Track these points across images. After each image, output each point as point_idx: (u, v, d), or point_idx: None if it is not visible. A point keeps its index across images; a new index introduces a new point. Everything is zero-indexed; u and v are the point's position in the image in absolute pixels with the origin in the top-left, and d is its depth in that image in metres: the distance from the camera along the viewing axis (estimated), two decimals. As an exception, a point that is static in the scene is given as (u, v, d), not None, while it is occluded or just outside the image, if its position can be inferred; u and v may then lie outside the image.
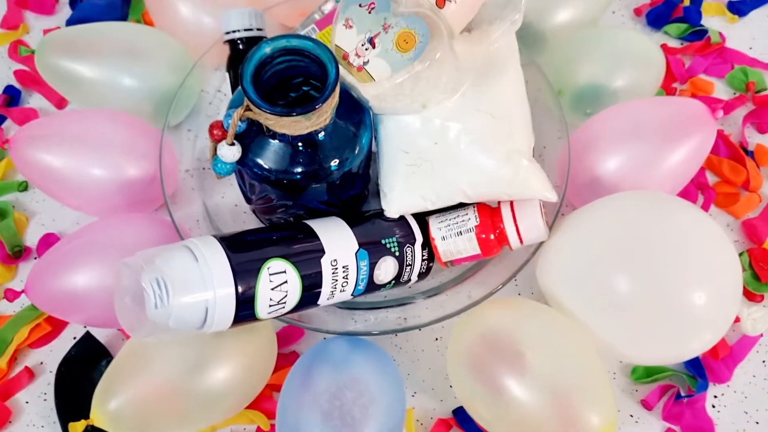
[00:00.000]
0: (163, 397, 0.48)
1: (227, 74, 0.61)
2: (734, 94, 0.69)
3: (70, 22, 0.72)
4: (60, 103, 0.68)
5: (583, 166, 0.57)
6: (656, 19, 0.72)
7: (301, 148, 0.48)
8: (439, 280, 0.57)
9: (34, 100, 0.70)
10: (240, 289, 0.44)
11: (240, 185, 0.54)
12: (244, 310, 0.45)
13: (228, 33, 0.60)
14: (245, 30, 0.59)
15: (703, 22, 0.72)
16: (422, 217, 0.54)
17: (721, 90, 0.69)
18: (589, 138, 0.58)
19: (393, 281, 0.52)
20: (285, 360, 0.56)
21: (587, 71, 0.61)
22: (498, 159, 0.49)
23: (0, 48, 0.73)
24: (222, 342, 0.50)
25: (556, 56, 0.63)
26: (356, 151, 0.50)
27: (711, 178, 0.64)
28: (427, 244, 0.54)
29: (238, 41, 0.60)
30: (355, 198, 0.55)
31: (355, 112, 0.50)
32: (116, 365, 0.49)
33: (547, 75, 0.60)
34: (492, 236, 0.52)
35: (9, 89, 0.70)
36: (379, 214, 0.54)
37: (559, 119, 0.58)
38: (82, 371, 0.55)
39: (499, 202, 0.53)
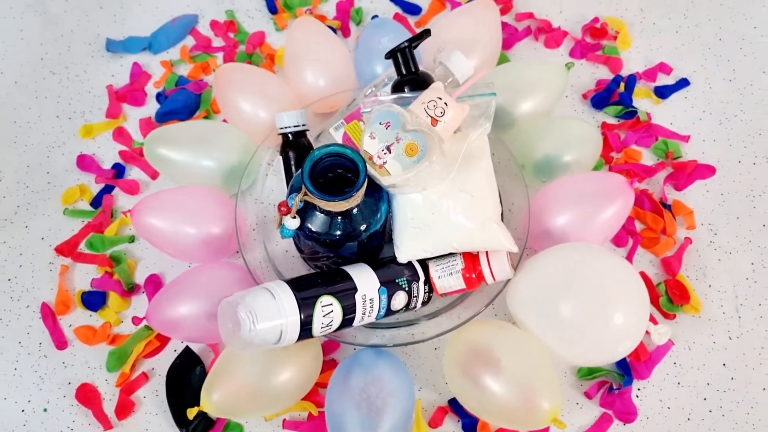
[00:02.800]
0: (247, 392, 0.70)
1: (281, 156, 0.83)
2: (657, 160, 0.90)
3: (159, 114, 0.95)
4: (154, 175, 0.91)
5: (540, 220, 0.79)
6: (599, 102, 0.94)
7: (340, 219, 0.70)
8: (437, 306, 0.78)
9: (134, 173, 0.92)
10: (303, 317, 0.66)
11: (295, 242, 0.76)
12: (305, 331, 0.67)
13: (281, 128, 0.82)
14: (294, 126, 0.82)
15: (634, 103, 0.94)
16: (424, 262, 0.76)
17: (647, 157, 0.90)
18: (545, 200, 0.79)
19: (404, 308, 0.74)
20: (327, 365, 0.78)
21: (544, 148, 0.83)
22: (476, 224, 0.71)
23: (106, 133, 0.96)
24: (286, 353, 0.72)
25: (521, 136, 0.85)
26: (377, 218, 0.72)
27: (638, 225, 0.86)
28: (428, 281, 0.75)
29: (289, 134, 0.82)
30: (375, 248, 0.78)
31: (376, 193, 0.72)
32: (216, 369, 0.71)
33: (512, 151, 0.81)
34: (473, 275, 0.74)
35: (116, 165, 0.92)
36: (393, 259, 0.75)
37: (522, 185, 0.79)
38: (183, 375, 0.77)
39: (477, 252, 0.74)
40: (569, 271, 0.71)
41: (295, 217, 0.69)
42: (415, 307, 0.76)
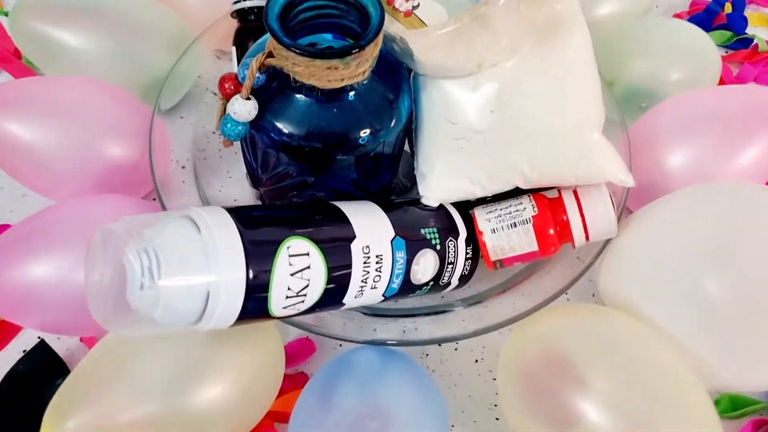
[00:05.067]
0: (136, 419, 0.37)
1: (234, 48, 0.52)
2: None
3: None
4: (19, 72, 0.59)
5: (645, 159, 0.49)
6: (698, 25, 0.67)
7: (328, 109, 0.39)
8: (483, 285, 0.47)
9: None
10: (252, 272, 0.34)
11: (248, 161, 0.45)
12: (255, 300, 0.35)
13: (237, 2, 0.52)
14: (258, -2, 0.52)
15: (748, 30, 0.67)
16: (466, 208, 0.45)
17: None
18: (651, 129, 0.50)
19: (431, 282, 0.43)
20: (291, 382, 0.45)
21: (640, 61, 0.54)
22: (565, 132, 0.41)
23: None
24: (216, 350, 0.39)
25: (604, 44, 0.56)
26: (392, 123, 0.41)
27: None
28: (472, 239, 0.44)
29: (249, 11, 0.52)
30: (386, 182, 0.47)
31: (393, 76, 0.42)
32: (78, 374, 0.38)
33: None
34: (551, 230, 0.43)
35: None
36: (415, 202, 0.45)
37: (614, 108, 0.50)
38: (31, 391, 0.43)
39: (559, 191, 0.44)
40: (717, 224, 0.41)
41: (249, 99, 0.38)
42: (449, 284, 0.44)
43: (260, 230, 0.36)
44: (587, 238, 0.44)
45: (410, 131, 0.45)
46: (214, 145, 0.54)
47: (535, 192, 0.44)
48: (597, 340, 0.41)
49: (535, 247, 0.43)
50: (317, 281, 0.37)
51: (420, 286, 0.43)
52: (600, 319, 0.42)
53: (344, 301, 0.39)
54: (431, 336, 0.43)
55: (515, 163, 0.41)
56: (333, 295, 0.38)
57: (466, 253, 0.44)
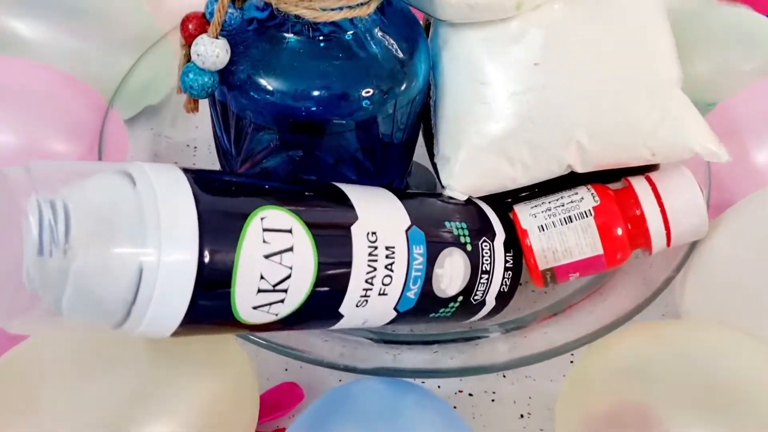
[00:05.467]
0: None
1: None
2: None
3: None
4: None
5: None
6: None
7: (322, 56, 0.30)
8: (527, 307, 0.36)
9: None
10: (208, 250, 0.24)
11: (218, 137, 0.35)
12: (211, 294, 0.24)
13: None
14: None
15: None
16: (502, 210, 0.35)
17: None
18: (728, 127, 0.40)
19: (460, 298, 0.32)
20: (269, 441, 0.33)
21: (707, 52, 0.46)
22: (636, 87, 0.31)
23: None
24: (161, 379, 0.28)
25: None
26: (403, 86, 0.32)
27: None
28: (513, 244, 0.34)
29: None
30: (399, 161, 0.36)
31: (406, 29, 0.33)
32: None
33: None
34: (619, 230, 0.32)
35: None
36: (435, 195, 0.34)
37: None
38: None
39: (626, 180, 0.34)
40: None
41: (217, 38, 0.29)
42: (485, 299, 0.33)
43: (225, 199, 0.26)
44: (669, 239, 0.33)
45: (427, 111, 0.35)
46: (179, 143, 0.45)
47: (592, 183, 0.34)
48: (693, 378, 0.29)
49: (598, 250, 0.32)
50: (303, 273, 0.26)
51: (446, 302, 0.31)
52: (698, 346, 0.30)
53: (342, 310, 0.28)
54: (462, 365, 0.31)
55: (568, 132, 0.31)
56: (325, 300, 0.27)
57: (505, 261, 0.33)
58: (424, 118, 0.36)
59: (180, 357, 0.28)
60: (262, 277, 0.25)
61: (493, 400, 0.36)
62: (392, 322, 0.31)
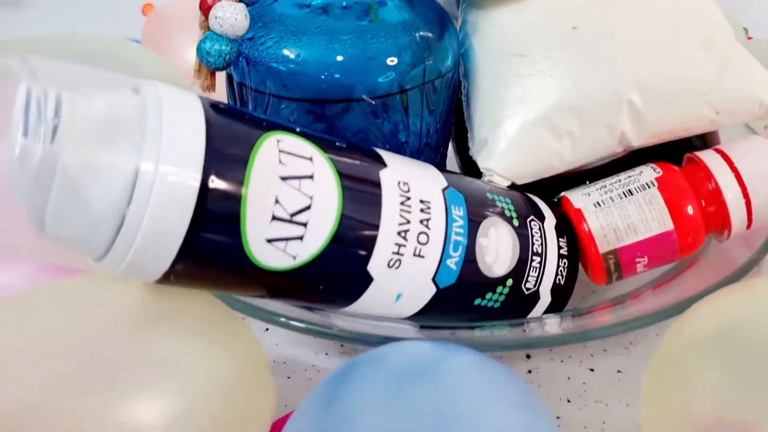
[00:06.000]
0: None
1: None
2: None
3: None
4: None
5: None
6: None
7: (345, 21, 0.29)
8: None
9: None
10: (214, 169, 0.20)
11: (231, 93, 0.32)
12: (216, 224, 0.20)
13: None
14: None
15: None
16: (549, 198, 0.31)
17: None
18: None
19: (510, 281, 0.27)
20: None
21: None
22: (690, 41, 0.28)
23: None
24: (156, 340, 0.23)
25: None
26: (430, 59, 0.30)
27: None
28: (566, 229, 0.29)
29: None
30: (435, 138, 0.33)
31: (435, 11, 0.32)
32: None
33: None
34: (690, 208, 0.28)
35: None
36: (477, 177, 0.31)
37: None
38: None
39: (690, 154, 0.30)
40: None
41: (239, 2, 0.28)
42: (538, 289, 0.28)
43: (239, 123, 0.23)
44: (749, 213, 0.28)
45: (459, 110, 0.33)
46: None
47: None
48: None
49: (667, 225, 0.28)
50: (325, 207, 0.22)
51: (493, 285, 0.27)
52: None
53: (371, 269, 0.24)
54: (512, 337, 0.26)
55: (617, 91, 0.28)
56: (352, 250, 0.23)
57: (559, 247, 0.29)
58: (455, 116, 0.33)
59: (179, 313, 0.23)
60: (277, 201, 0.21)
61: (559, 425, 0.29)
62: (431, 306, 0.26)
